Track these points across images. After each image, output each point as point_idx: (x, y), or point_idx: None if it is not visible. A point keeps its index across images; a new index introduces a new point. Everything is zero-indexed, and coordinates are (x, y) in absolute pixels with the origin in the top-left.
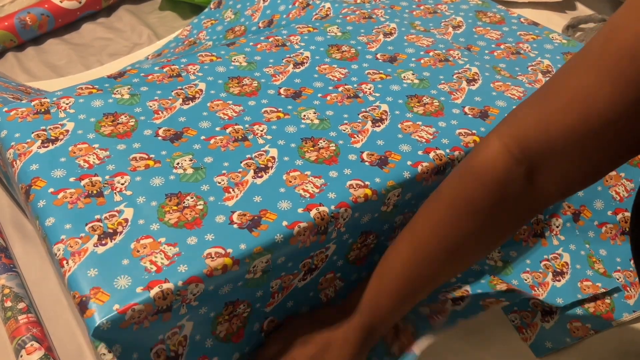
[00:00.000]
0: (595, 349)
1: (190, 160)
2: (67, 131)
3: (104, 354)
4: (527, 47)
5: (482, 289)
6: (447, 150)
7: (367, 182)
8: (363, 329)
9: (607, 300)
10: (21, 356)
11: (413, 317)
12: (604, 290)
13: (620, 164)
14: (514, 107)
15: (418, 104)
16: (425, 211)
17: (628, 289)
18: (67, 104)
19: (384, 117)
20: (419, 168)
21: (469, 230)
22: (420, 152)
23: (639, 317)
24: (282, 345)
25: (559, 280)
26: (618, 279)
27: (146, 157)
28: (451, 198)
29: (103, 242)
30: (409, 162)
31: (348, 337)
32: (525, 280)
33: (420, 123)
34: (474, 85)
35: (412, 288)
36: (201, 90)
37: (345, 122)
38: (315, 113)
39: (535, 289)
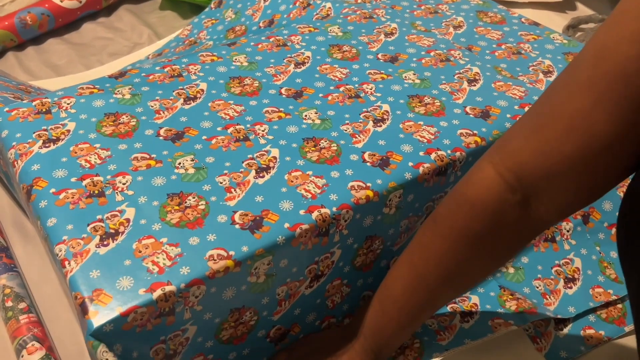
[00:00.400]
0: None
1: (192, 160)
2: (69, 131)
3: (105, 352)
4: (528, 47)
5: (492, 305)
6: (449, 152)
7: (368, 184)
8: (367, 353)
9: (619, 305)
10: (22, 356)
11: (420, 331)
12: (616, 298)
13: (618, 183)
14: (515, 106)
15: (419, 104)
16: (421, 240)
17: (547, 297)
18: (68, 103)
19: (385, 117)
20: (421, 169)
21: (466, 259)
22: (421, 153)
23: None
24: None
25: (571, 287)
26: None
27: (147, 157)
28: (446, 228)
29: (105, 242)
30: (410, 163)
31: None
32: (537, 287)
33: (421, 123)
34: (475, 85)
35: (412, 314)
36: (202, 90)
37: (346, 122)
38: (316, 113)
39: (547, 297)
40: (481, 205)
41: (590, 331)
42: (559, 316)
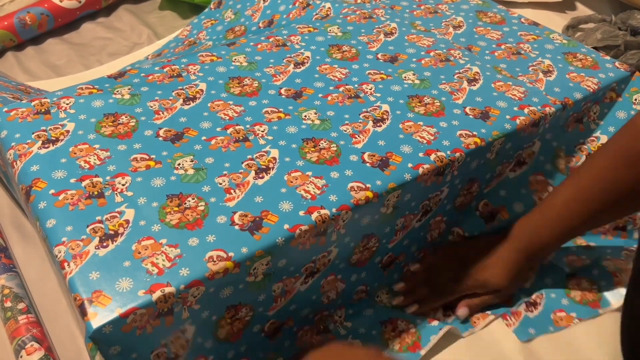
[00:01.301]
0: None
1: (191, 161)
2: (68, 132)
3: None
4: (528, 48)
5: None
6: (448, 152)
7: (368, 185)
8: (520, 252)
9: (595, 291)
10: (21, 356)
11: (413, 320)
12: (579, 321)
13: None
14: (514, 108)
15: (419, 104)
16: (589, 161)
17: (617, 274)
18: (67, 104)
19: (385, 117)
20: (420, 170)
21: (625, 178)
22: (421, 154)
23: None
24: (440, 261)
25: (532, 311)
26: (607, 267)
27: (147, 157)
28: (612, 147)
29: (104, 244)
30: (409, 165)
31: (504, 256)
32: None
33: (421, 123)
34: (474, 85)
35: (570, 224)
36: (202, 90)
37: (346, 122)
38: (316, 113)
39: (508, 317)
40: None
41: (561, 314)
42: (533, 297)
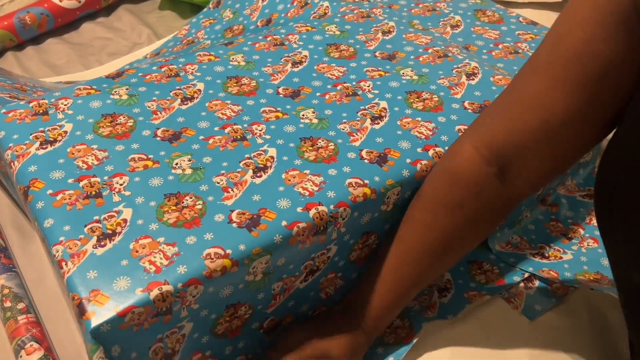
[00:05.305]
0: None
1: (189, 161)
2: (66, 132)
3: (102, 358)
4: (526, 47)
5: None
6: (447, 148)
7: (366, 181)
8: (358, 334)
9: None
10: (21, 356)
11: (407, 312)
12: (489, 297)
13: (580, 157)
14: None
15: (417, 99)
16: (407, 215)
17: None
18: (65, 105)
19: (382, 114)
20: (418, 166)
21: (448, 229)
22: (419, 150)
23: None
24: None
25: (445, 296)
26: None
27: (145, 157)
28: (429, 201)
29: (102, 243)
30: (408, 160)
31: (344, 343)
32: (413, 307)
33: (419, 119)
34: (473, 79)
35: (400, 291)
36: (199, 90)
37: (344, 120)
38: (314, 112)
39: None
40: (461, 175)
41: (557, 284)
42: (525, 275)
